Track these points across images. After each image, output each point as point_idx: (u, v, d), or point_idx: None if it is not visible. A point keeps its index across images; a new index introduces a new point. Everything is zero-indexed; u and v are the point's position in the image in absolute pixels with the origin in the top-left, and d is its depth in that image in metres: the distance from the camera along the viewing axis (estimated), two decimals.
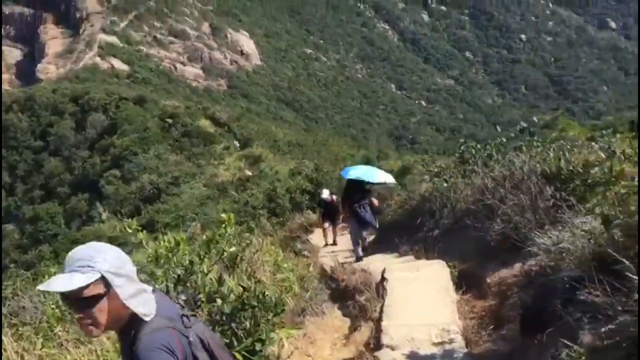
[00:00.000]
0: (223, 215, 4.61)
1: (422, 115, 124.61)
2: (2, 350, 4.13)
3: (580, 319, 3.64)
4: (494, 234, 6.51)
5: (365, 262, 9.41)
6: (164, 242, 4.24)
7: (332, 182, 19.38)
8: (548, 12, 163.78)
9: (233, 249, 4.79)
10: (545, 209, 5.94)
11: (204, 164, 43.30)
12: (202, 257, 4.31)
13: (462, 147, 11.53)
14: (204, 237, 5.02)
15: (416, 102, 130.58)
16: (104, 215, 40.45)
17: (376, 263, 8.98)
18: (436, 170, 11.79)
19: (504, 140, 11.25)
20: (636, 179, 3.68)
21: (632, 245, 3.47)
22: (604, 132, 13.68)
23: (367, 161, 28.54)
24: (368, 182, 10.04)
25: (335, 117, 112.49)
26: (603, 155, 6.11)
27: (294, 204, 19.17)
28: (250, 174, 34.61)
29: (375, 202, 10.27)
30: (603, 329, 3.39)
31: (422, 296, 6.53)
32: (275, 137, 53.41)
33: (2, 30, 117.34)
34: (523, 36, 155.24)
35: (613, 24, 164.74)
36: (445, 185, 9.58)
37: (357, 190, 9.95)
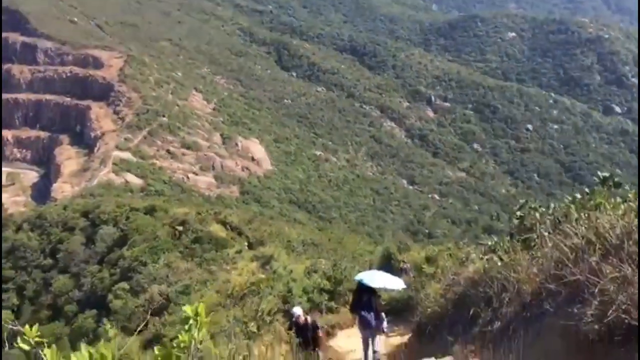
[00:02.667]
0: (186, 309, 3.28)
1: (436, 208, 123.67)
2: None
3: None
4: (590, 321, 4.71)
5: None
6: None
7: (353, 280, 18.29)
8: (551, 101, 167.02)
9: None
10: None
11: (216, 269, 41.51)
12: None
13: (522, 211, 8.72)
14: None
15: (429, 195, 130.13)
16: (111, 332, 37.90)
17: None
18: (488, 245, 9.08)
19: (579, 195, 7.72)
20: None
21: None
22: None
23: (388, 255, 27.05)
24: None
25: (348, 215, 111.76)
26: None
27: (312, 305, 17.89)
28: (263, 276, 32.74)
29: (380, 305, 10.82)
30: None
31: None
32: (289, 237, 52.07)
33: (18, 152, 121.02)
34: (529, 126, 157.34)
35: (618, 109, 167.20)
36: (500, 263, 7.50)
37: (363, 293, 10.48)
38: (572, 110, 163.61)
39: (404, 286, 11.63)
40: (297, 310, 10.97)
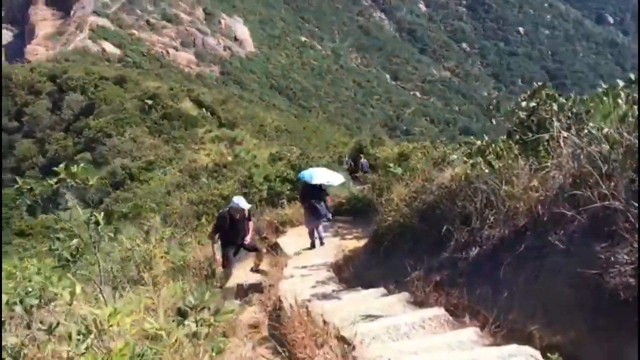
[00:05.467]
0: None
1: (417, 106, 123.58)
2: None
3: None
4: (623, 271, 3.28)
5: (337, 305, 5.74)
6: None
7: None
8: (546, 5, 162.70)
9: None
10: None
11: (184, 148, 40.80)
12: None
13: (535, 99, 5.84)
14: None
15: (411, 93, 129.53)
16: (70, 203, 37.62)
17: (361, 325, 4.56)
18: (475, 145, 5.96)
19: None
20: None
21: None
22: None
23: (360, 148, 26.30)
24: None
25: (328, 106, 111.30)
26: None
27: (273, 194, 16.81)
28: (230, 159, 32.46)
29: (329, 200, 11.04)
30: None
31: None
32: (263, 122, 51.56)
33: None
34: (521, 29, 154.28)
35: (611, 19, 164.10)
36: (488, 170, 5.47)
37: (308, 191, 10.69)
38: (565, 17, 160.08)
39: (343, 180, 11.93)
40: (240, 202, 8.70)
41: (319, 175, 10.96)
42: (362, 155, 22.00)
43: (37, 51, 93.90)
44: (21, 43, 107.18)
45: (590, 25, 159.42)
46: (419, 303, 5.26)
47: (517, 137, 5.73)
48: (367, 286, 6.59)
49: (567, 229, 3.92)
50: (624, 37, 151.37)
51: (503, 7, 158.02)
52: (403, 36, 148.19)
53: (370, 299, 5.86)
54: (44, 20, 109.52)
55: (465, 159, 5.97)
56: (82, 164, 4.15)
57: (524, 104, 5.85)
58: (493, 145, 5.72)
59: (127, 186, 35.96)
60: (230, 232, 8.60)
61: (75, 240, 4.94)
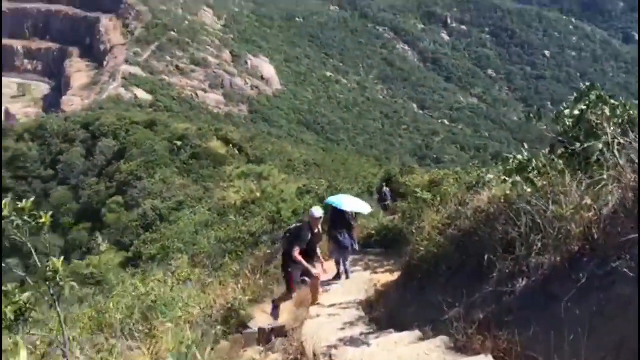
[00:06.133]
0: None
1: (446, 134, 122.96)
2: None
3: None
4: None
5: (365, 353, 5.18)
6: None
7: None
8: (571, 27, 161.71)
9: None
10: None
11: (213, 186, 41.05)
12: None
13: (583, 103, 5.07)
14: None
15: (439, 121, 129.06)
16: (103, 247, 37.91)
17: None
18: (514, 162, 5.26)
19: None
20: None
21: None
22: None
23: (389, 177, 25.70)
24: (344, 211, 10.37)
25: (357, 138, 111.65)
26: None
27: None
28: (259, 195, 32.49)
29: (357, 231, 10.89)
30: None
31: None
32: (291, 156, 51.68)
33: (29, 64, 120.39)
34: (547, 52, 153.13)
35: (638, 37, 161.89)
36: (531, 189, 4.75)
37: (336, 218, 10.48)
38: (592, 38, 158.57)
39: (370, 210, 11.51)
40: (317, 212, 8.44)
41: (348, 202, 10.68)
42: (384, 184, 21.81)
43: (73, 101, 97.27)
44: (58, 95, 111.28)
45: (617, 45, 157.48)
46: (461, 349, 4.50)
47: (562, 148, 5.03)
48: (400, 328, 5.91)
49: (633, 252, 3.31)
50: None
51: (527, 32, 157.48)
52: (427, 66, 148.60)
53: (403, 344, 5.18)
54: (78, 71, 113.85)
55: (504, 177, 5.18)
56: (31, 199, 3.78)
57: (567, 111, 4.99)
58: (535, 160, 5.03)
59: (157, 227, 36.24)
60: (308, 248, 8.24)
61: (26, 295, 3.88)
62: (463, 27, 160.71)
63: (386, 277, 9.47)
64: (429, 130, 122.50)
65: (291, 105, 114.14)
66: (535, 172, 4.91)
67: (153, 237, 33.22)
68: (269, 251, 12.24)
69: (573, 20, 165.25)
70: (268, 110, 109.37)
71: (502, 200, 5.23)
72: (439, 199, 8.68)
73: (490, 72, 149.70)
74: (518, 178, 4.84)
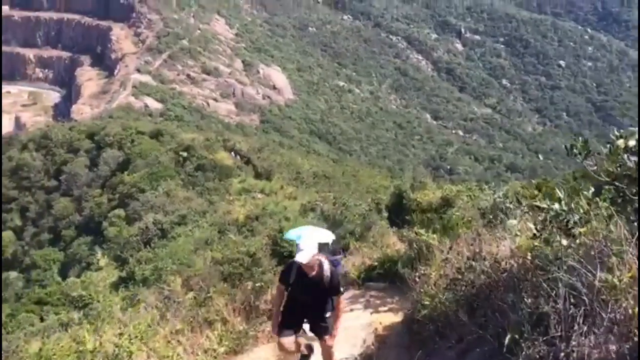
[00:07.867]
0: None
1: (460, 144, 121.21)
2: None
3: None
4: None
5: None
6: None
7: (356, 220, 15.96)
8: (587, 37, 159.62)
9: None
10: None
11: (218, 200, 39.24)
12: None
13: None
14: None
15: (453, 131, 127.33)
16: (102, 262, 36.09)
17: None
18: (552, 213, 3.92)
19: None
20: None
21: None
22: None
23: (400, 193, 23.16)
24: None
25: (370, 149, 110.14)
26: None
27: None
28: (259, 212, 30.68)
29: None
30: None
31: None
32: (300, 168, 49.84)
33: (40, 72, 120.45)
34: (562, 62, 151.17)
35: None
36: (572, 246, 3.64)
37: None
38: (607, 48, 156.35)
39: (333, 237, 6.81)
40: (306, 250, 5.05)
41: (306, 242, 5.29)
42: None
43: (83, 110, 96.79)
44: (68, 103, 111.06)
45: (635, 55, 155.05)
46: None
47: (613, 191, 3.76)
48: None
49: None
50: None
51: (542, 42, 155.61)
52: (441, 76, 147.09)
53: None
54: (89, 80, 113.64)
55: (534, 229, 4.06)
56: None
57: (620, 141, 3.61)
58: (576, 207, 3.80)
59: (154, 244, 34.20)
60: (296, 303, 5.45)
61: None
62: (477, 36, 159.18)
63: (389, 318, 7.87)
64: (443, 141, 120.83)
65: (303, 115, 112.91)
66: (577, 217, 3.74)
67: (148, 255, 31.24)
68: (258, 284, 9.40)
69: (588, 30, 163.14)
70: (280, 120, 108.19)
71: (529, 257, 3.95)
72: (447, 239, 6.91)
73: (504, 82, 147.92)
74: (555, 231, 3.74)
